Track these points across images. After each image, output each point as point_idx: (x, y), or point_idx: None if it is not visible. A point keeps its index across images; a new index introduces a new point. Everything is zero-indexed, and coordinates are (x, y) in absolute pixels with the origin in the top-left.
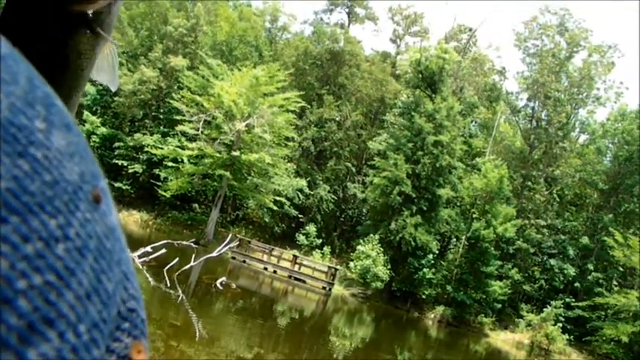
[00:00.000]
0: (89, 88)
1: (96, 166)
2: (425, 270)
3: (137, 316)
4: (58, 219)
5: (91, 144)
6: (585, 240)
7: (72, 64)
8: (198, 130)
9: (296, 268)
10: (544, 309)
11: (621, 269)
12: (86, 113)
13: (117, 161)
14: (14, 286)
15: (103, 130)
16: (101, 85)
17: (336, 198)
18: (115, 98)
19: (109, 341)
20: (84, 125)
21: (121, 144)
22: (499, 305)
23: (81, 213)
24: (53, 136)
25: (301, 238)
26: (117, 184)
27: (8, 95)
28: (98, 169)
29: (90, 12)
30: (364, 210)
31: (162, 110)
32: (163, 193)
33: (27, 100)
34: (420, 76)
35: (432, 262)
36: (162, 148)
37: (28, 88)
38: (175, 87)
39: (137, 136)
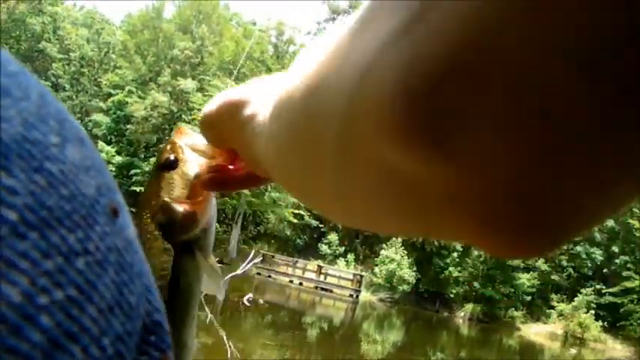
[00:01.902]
0: (102, 118)
1: (111, 179)
2: (451, 269)
3: (162, 329)
4: (77, 233)
5: None
6: (610, 223)
7: (182, 283)
8: None
9: (321, 278)
10: (575, 297)
11: None
12: (101, 143)
13: (135, 188)
14: (36, 302)
15: (119, 158)
16: (114, 113)
17: None
18: (129, 126)
19: (135, 354)
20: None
21: (138, 170)
22: (528, 297)
23: (99, 226)
24: (68, 150)
25: (324, 248)
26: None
27: (21, 111)
28: (114, 183)
29: (189, 238)
30: None
31: None
32: None
33: (40, 115)
34: None
35: (457, 260)
36: None
37: (40, 104)
38: (186, 109)
39: (152, 161)
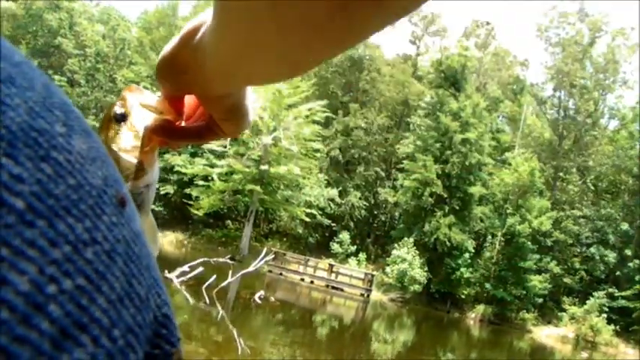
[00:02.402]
0: None
1: (117, 172)
2: (462, 269)
3: (172, 323)
4: (84, 222)
5: None
6: (625, 226)
7: None
8: (225, 147)
9: (333, 276)
10: (587, 301)
11: None
12: None
13: None
14: (44, 290)
15: None
16: None
17: (367, 204)
18: None
19: (148, 348)
20: None
21: None
22: (540, 300)
23: (107, 217)
24: (74, 140)
25: (336, 247)
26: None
27: (26, 100)
28: (120, 176)
29: (133, 192)
30: (397, 214)
31: None
32: (196, 212)
33: (45, 105)
34: (442, 75)
35: (469, 261)
36: (191, 168)
37: (45, 94)
38: None
39: (166, 157)
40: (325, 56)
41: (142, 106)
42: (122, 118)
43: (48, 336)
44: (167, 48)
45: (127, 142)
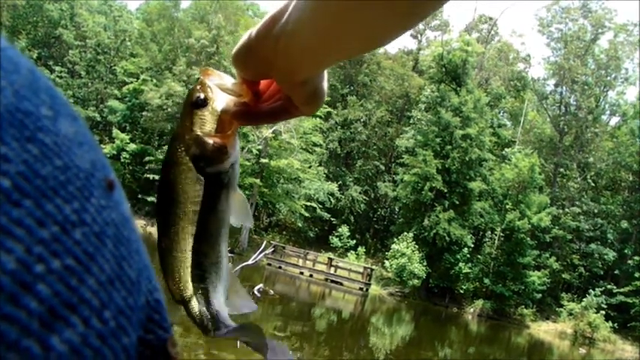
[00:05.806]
0: (118, 105)
1: (105, 158)
2: (461, 265)
3: (164, 308)
4: (72, 204)
5: (122, 160)
6: (624, 224)
7: (213, 212)
8: None
9: (332, 270)
10: (585, 297)
11: None
12: (115, 131)
13: (148, 175)
14: (32, 270)
15: (133, 146)
16: (130, 101)
17: (367, 198)
18: (143, 113)
19: (141, 332)
20: (114, 142)
21: (151, 158)
22: (539, 296)
23: (95, 199)
24: (60, 123)
25: (335, 241)
26: (149, 199)
27: (12, 83)
28: (107, 161)
29: (220, 171)
30: (396, 208)
31: None
32: None
33: (31, 88)
34: (444, 70)
35: (468, 256)
36: None
37: (31, 78)
38: None
39: (167, 149)
40: (399, 31)
41: (222, 89)
42: (203, 102)
43: (37, 315)
44: (245, 38)
45: (210, 126)
